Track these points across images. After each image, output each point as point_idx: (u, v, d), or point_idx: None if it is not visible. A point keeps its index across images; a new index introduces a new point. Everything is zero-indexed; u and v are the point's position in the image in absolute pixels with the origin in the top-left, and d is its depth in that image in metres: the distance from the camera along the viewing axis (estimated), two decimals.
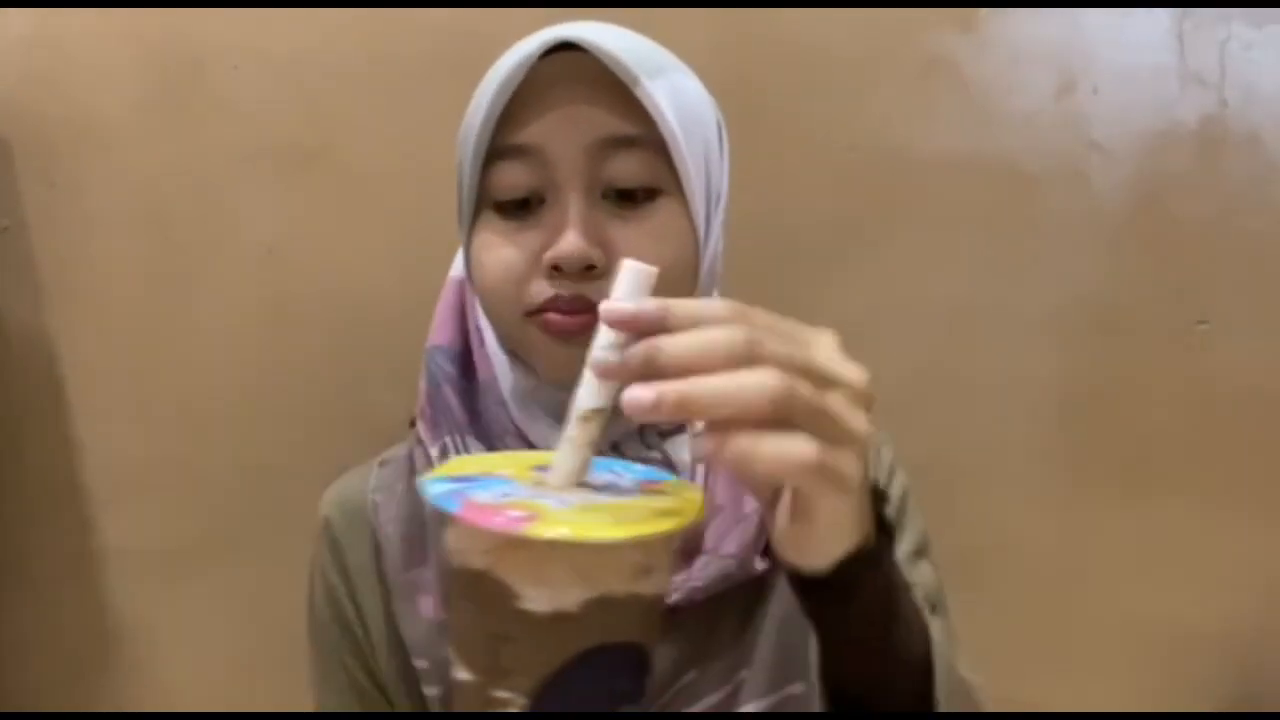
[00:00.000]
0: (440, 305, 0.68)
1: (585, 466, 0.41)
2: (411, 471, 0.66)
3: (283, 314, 1.09)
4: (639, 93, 0.56)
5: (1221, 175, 1.04)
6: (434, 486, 0.40)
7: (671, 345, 0.37)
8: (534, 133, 0.57)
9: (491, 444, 0.63)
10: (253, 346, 1.09)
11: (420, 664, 0.63)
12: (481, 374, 0.64)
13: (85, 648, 1.14)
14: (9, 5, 1.08)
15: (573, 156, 0.56)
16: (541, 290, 0.57)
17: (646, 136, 0.57)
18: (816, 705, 0.59)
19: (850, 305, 1.06)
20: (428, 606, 0.63)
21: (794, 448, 0.36)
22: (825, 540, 0.42)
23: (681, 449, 0.61)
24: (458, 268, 0.68)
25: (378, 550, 0.65)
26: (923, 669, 0.48)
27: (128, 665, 1.14)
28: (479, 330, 0.65)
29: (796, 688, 0.61)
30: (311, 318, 1.09)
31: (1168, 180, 1.04)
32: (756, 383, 0.36)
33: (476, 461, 0.45)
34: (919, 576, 0.64)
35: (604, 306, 0.39)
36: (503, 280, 0.58)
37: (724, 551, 0.59)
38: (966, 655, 0.55)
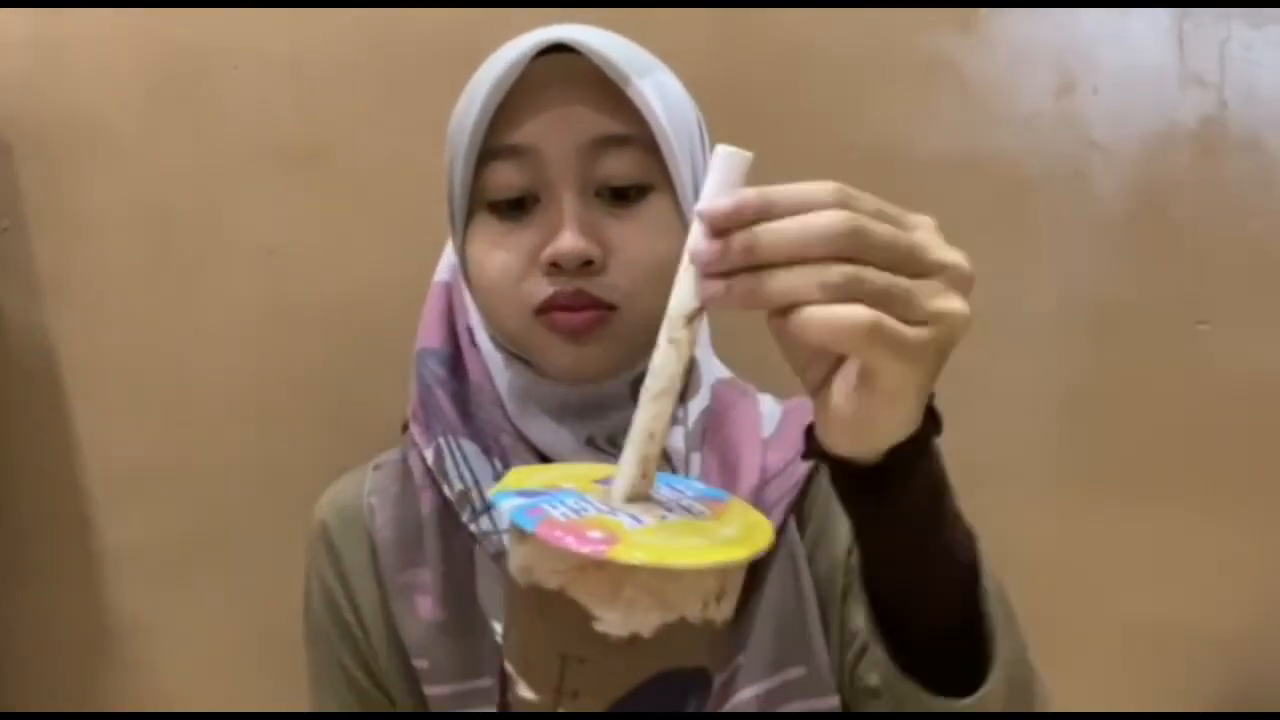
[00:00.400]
0: (427, 309, 0.68)
1: (652, 481, 0.41)
2: (406, 474, 0.67)
3: (283, 314, 1.09)
4: (630, 92, 0.57)
5: (1221, 176, 1.04)
6: (507, 501, 0.39)
7: (771, 237, 0.36)
8: (527, 133, 0.58)
9: (485, 444, 0.63)
10: (253, 346, 1.09)
11: (420, 664, 0.63)
12: (473, 375, 0.64)
13: (85, 648, 1.14)
14: (9, 5, 1.08)
15: (566, 156, 0.57)
16: (541, 288, 0.57)
17: (637, 135, 0.58)
18: (818, 687, 0.59)
19: None
20: (425, 607, 0.63)
21: (847, 312, 0.35)
22: (883, 415, 0.40)
23: (676, 438, 0.62)
24: (442, 272, 0.69)
25: (374, 552, 0.66)
26: (969, 573, 0.47)
27: (128, 665, 1.14)
28: (468, 331, 0.66)
29: (796, 671, 0.61)
30: (311, 318, 1.09)
31: (1168, 181, 1.04)
32: (818, 274, 0.35)
33: (537, 474, 0.45)
34: None
35: (701, 206, 0.38)
36: (503, 281, 0.59)
37: None
38: None
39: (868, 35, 1.04)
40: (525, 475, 0.44)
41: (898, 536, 0.46)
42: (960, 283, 0.38)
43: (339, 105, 1.07)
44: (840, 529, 0.63)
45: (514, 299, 0.59)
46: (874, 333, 0.35)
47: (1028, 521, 1.08)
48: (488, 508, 0.62)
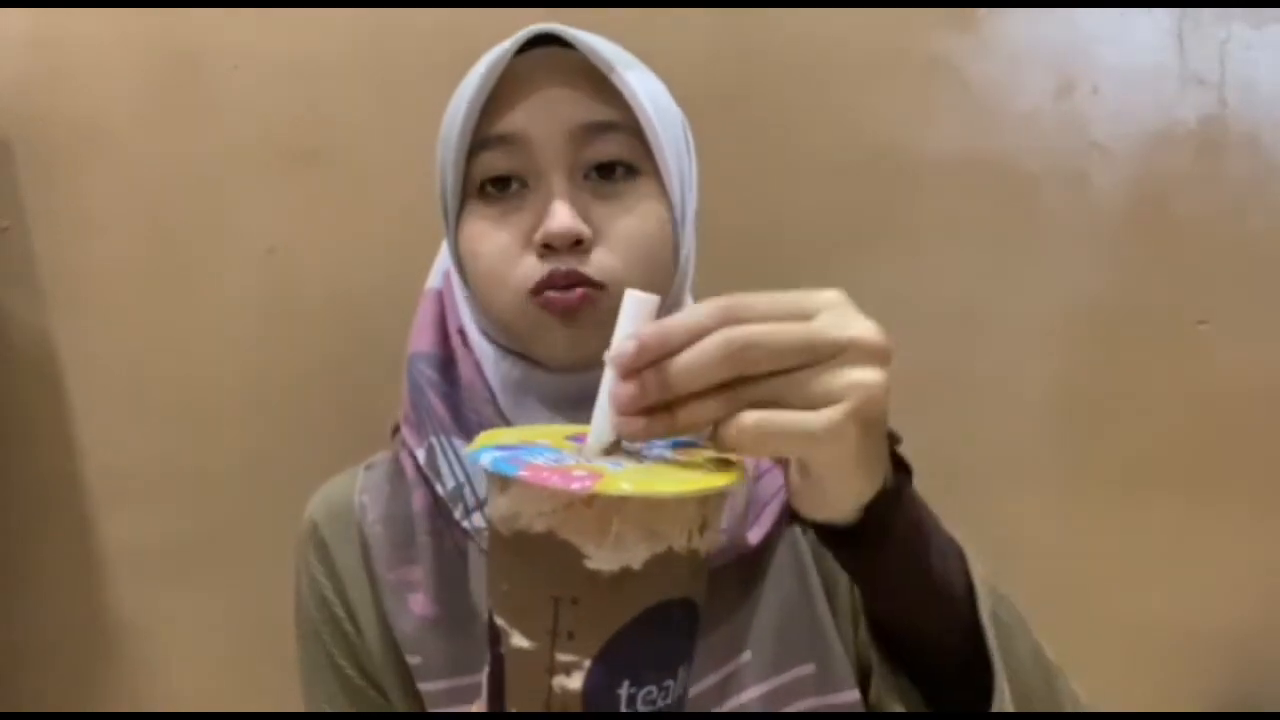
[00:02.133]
0: (419, 315, 0.69)
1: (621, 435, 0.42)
2: (398, 473, 0.67)
3: (283, 314, 1.09)
4: (615, 79, 0.59)
5: (1221, 175, 1.04)
6: (487, 454, 0.40)
7: (676, 373, 0.39)
8: (515, 120, 0.59)
9: None
10: (252, 346, 1.09)
11: (413, 660, 0.64)
12: (464, 376, 0.65)
13: (85, 648, 1.14)
14: (9, 5, 1.08)
15: (554, 141, 0.59)
16: (535, 269, 0.58)
17: (623, 121, 0.59)
18: (831, 683, 0.60)
19: None
20: (418, 604, 0.64)
21: (737, 424, 0.39)
22: (834, 496, 0.43)
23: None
24: (434, 279, 0.70)
25: (366, 550, 0.66)
26: (965, 595, 0.49)
27: (128, 665, 1.14)
28: (460, 333, 0.66)
29: (805, 668, 0.61)
30: (311, 318, 1.09)
31: (1168, 180, 1.04)
32: (715, 397, 0.39)
33: (511, 434, 0.46)
34: None
35: (611, 354, 0.41)
36: (498, 265, 0.60)
37: None
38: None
39: (868, 35, 1.04)
40: (497, 435, 0.45)
41: (888, 581, 0.48)
42: (868, 355, 0.40)
43: (339, 105, 1.07)
44: None
45: (508, 282, 0.59)
46: (763, 434, 0.39)
47: (1028, 521, 1.08)
48: (480, 505, 0.63)
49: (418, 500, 0.65)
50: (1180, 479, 1.06)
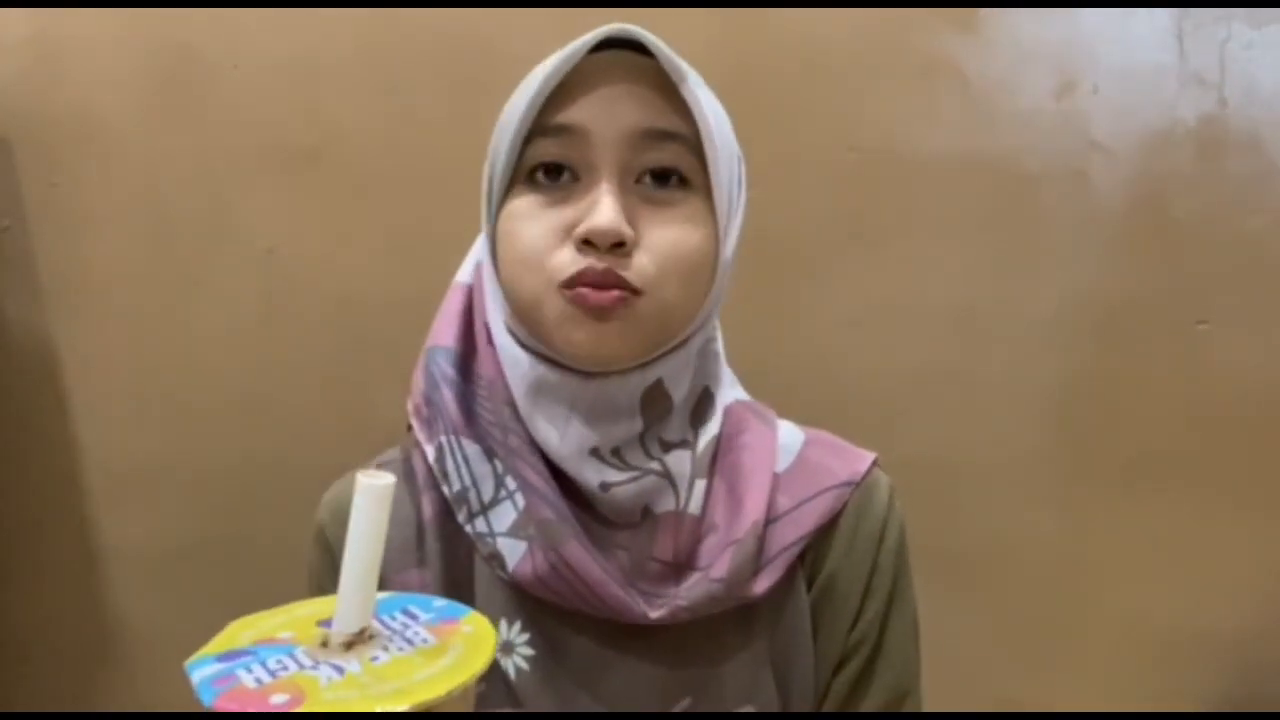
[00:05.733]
0: (444, 308, 0.68)
1: (369, 613, 0.42)
2: (409, 475, 0.66)
3: (283, 314, 1.09)
4: (684, 91, 0.58)
5: (1221, 175, 1.04)
6: (198, 671, 0.39)
7: None
8: (577, 114, 0.58)
9: (488, 445, 0.63)
10: (252, 346, 1.09)
11: None
12: (485, 373, 0.64)
13: (85, 648, 1.14)
14: (9, 5, 1.08)
15: (612, 140, 0.58)
16: (570, 262, 0.57)
17: (684, 134, 0.59)
18: None
19: (850, 305, 1.06)
20: None
21: None
22: None
23: (683, 463, 0.61)
24: (464, 274, 0.68)
25: None
26: None
27: (128, 665, 1.14)
28: (485, 329, 0.65)
29: (747, 707, 0.60)
30: (311, 318, 1.09)
31: (1168, 180, 1.04)
32: None
33: (257, 624, 0.45)
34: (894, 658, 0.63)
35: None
36: (533, 250, 0.59)
37: (713, 574, 0.58)
38: None
39: (868, 35, 1.04)
40: (239, 630, 0.44)
41: None
42: None
43: (339, 105, 1.07)
44: (857, 593, 0.62)
45: (541, 271, 0.58)
46: None
47: (1028, 520, 1.08)
48: (484, 509, 0.62)
49: (428, 505, 0.64)
50: (1180, 479, 1.06)
